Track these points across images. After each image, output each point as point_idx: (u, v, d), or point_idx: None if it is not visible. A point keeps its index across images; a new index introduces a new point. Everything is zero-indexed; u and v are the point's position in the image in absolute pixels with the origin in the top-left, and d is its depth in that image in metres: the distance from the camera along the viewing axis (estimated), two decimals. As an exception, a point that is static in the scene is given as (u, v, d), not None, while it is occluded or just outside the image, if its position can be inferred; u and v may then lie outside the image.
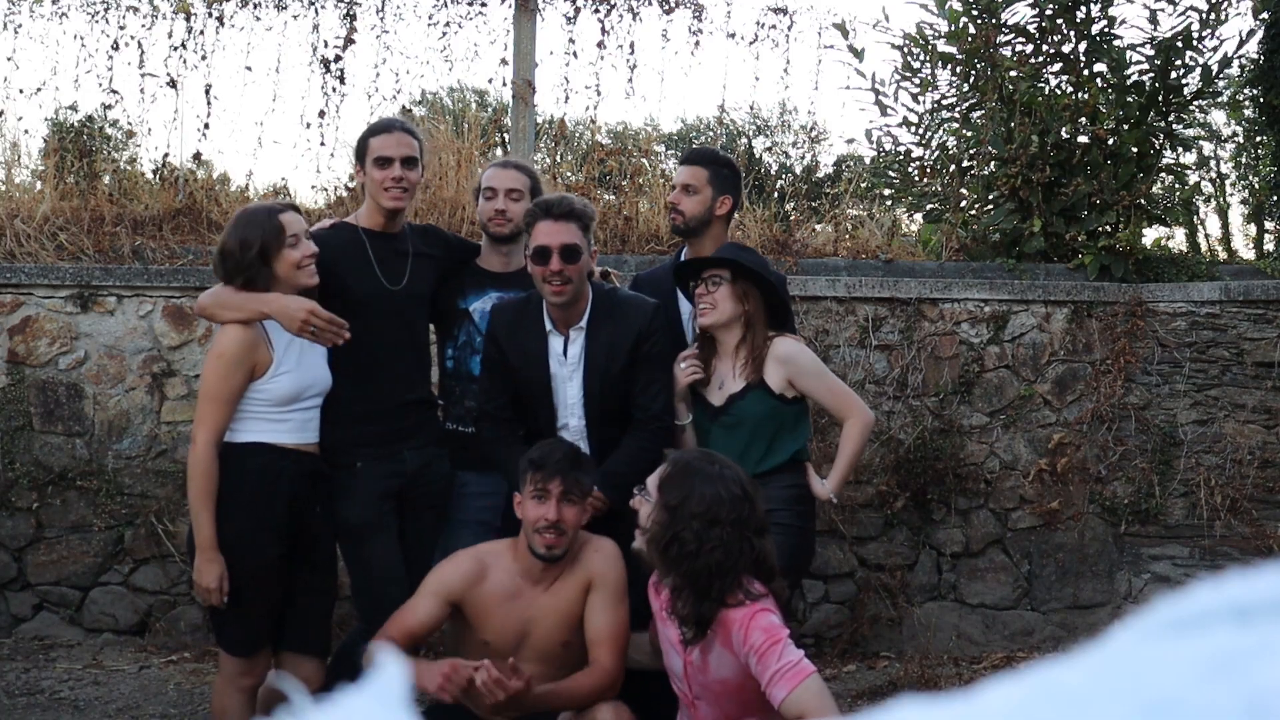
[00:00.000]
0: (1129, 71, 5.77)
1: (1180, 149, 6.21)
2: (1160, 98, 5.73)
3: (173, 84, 5.92)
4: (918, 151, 6.31)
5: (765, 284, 3.38)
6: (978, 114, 5.98)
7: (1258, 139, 8.70)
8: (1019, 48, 5.83)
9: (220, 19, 5.99)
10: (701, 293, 3.36)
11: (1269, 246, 9.13)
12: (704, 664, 2.71)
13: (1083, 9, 5.70)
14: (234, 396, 3.10)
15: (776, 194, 8.24)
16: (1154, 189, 5.83)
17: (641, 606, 3.02)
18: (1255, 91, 6.13)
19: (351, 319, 3.33)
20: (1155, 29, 5.74)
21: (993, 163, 5.85)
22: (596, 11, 6.11)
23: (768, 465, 3.30)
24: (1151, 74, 5.74)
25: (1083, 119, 5.63)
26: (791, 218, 6.36)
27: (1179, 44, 5.68)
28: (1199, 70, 5.75)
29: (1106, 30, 5.74)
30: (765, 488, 3.24)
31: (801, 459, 3.40)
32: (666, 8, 6.20)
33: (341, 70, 6.02)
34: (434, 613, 3.05)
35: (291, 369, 3.16)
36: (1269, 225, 9.83)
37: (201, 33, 5.95)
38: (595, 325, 3.31)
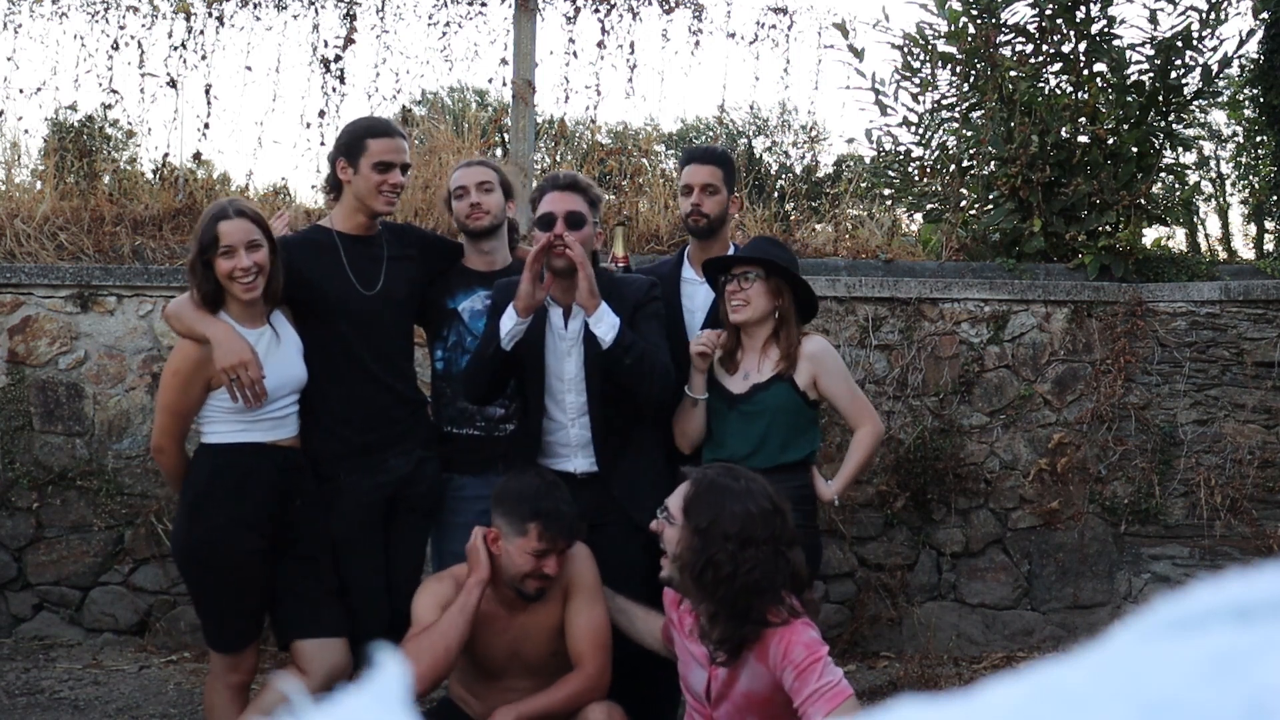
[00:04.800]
0: (1129, 71, 5.77)
1: (1180, 149, 6.21)
2: (1160, 98, 5.73)
3: (173, 84, 5.92)
4: (918, 151, 6.31)
5: (798, 280, 3.40)
6: (978, 114, 5.98)
7: (1258, 139, 8.69)
8: (1019, 48, 5.83)
9: (220, 19, 5.99)
10: (734, 289, 3.33)
11: (1269, 246, 9.13)
12: (732, 677, 2.63)
13: (1083, 9, 5.70)
14: (192, 408, 3.14)
15: (776, 194, 8.24)
16: (1154, 189, 5.82)
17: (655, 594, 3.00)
18: (1255, 91, 6.13)
19: (327, 324, 3.32)
20: (1155, 29, 5.74)
21: (993, 163, 5.85)
22: (596, 11, 6.11)
23: (785, 459, 3.30)
24: (1151, 74, 5.74)
25: (1083, 119, 5.63)
26: (791, 217, 6.36)
27: (1179, 44, 5.68)
28: (1199, 70, 5.75)
29: (1106, 30, 5.74)
30: (775, 485, 3.24)
31: (810, 461, 3.43)
32: (666, 8, 6.20)
33: (341, 70, 6.02)
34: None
35: None
36: (1269, 225, 9.83)
37: (201, 33, 5.95)
38: None
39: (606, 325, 3.13)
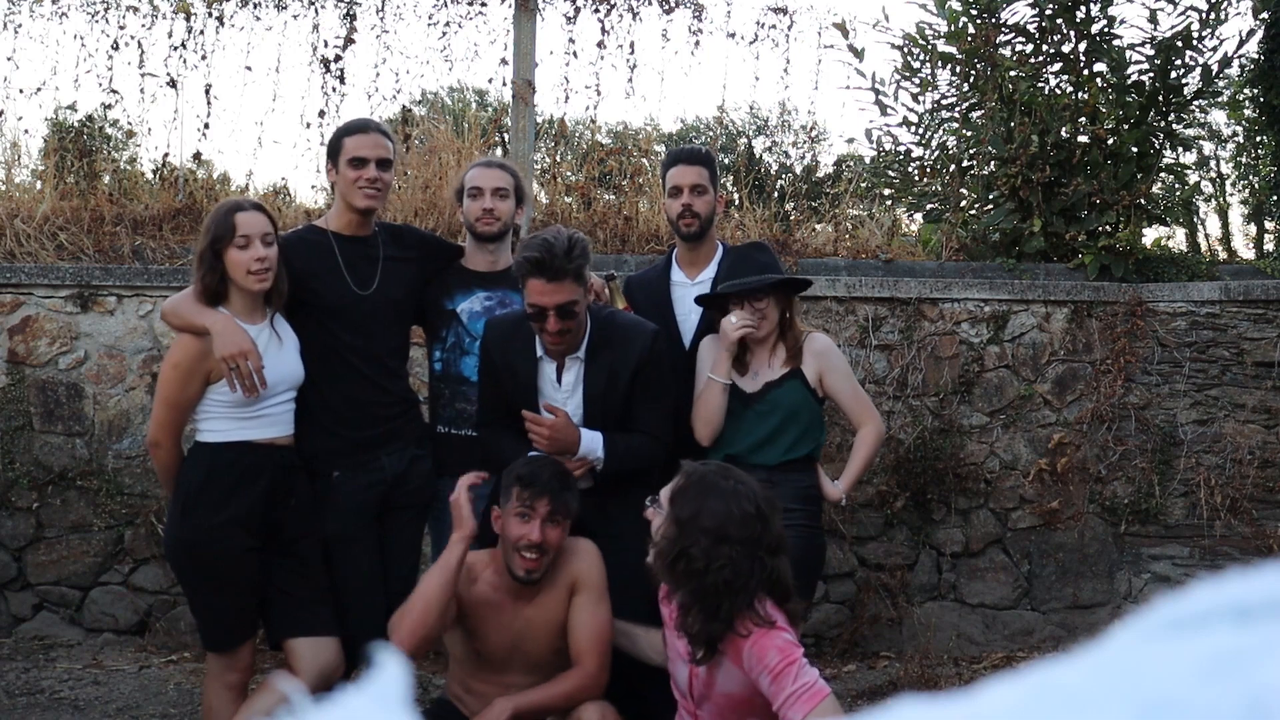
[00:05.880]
0: (1129, 71, 5.77)
1: (1180, 149, 6.21)
2: (1160, 98, 5.73)
3: (173, 84, 5.92)
4: (918, 151, 6.31)
5: (799, 284, 3.56)
6: (978, 114, 5.98)
7: (1258, 139, 8.69)
8: (1019, 48, 5.83)
9: (220, 19, 5.99)
10: (750, 311, 3.39)
11: (1269, 246, 9.13)
12: (710, 678, 2.68)
13: (1083, 9, 5.70)
14: (191, 402, 3.14)
15: (776, 194, 8.24)
16: (1154, 189, 5.83)
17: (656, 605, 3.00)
18: (1255, 91, 6.13)
19: (321, 323, 3.33)
20: (1155, 29, 5.74)
21: (993, 163, 5.85)
22: (596, 11, 6.11)
23: (795, 454, 3.36)
24: (1151, 74, 5.74)
25: (1083, 119, 5.63)
26: (791, 218, 6.37)
27: (1179, 44, 5.68)
28: (1199, 70, 5.75)
29: (1106, 30, 5.74)
30: (781, 483, 3.24)
31: (815, 458, 3.47)
32: (666, 8, 6.19)
33: (341, 70, 6.02)
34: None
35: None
36: (1269, 225, 9.84)
37: (201, 33, 5.95)
38: (594, 352, 3.24)
39: (592, 454, 3.20)
